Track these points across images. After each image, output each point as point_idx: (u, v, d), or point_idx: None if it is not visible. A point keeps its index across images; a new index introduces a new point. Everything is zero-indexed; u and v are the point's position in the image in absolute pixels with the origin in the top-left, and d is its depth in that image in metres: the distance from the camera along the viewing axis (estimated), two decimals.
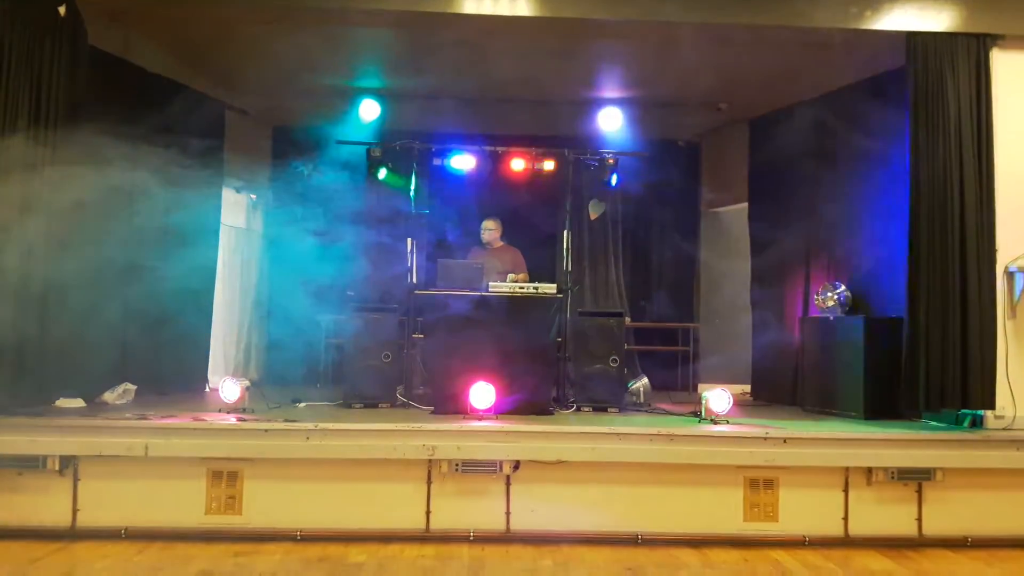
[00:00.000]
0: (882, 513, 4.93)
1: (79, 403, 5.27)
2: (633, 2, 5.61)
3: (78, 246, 5.26)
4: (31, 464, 4.62)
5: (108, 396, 5.65)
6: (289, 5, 5.63)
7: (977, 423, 5.30)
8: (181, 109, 6.84)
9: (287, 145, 8.65)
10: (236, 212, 8.11)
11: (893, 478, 4.88)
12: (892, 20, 5.55)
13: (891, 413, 5.67)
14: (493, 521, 4.83)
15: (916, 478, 4.91)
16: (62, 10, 5.27)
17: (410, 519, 4.80)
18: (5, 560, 4.29)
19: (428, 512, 4.81)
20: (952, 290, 5.26)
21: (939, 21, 5.52)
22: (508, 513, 4.84)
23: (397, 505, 4.81)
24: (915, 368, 5.34)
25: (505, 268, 6.87)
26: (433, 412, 5.63)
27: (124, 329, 6.22)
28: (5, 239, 4.90)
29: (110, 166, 5.58)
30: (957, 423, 5.32)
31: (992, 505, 4.98)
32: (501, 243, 7.30)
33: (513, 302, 5.93)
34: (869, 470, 4.91)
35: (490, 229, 7.23)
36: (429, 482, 4.83)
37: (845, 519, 4.93)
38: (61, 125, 5.21)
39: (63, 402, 5.21)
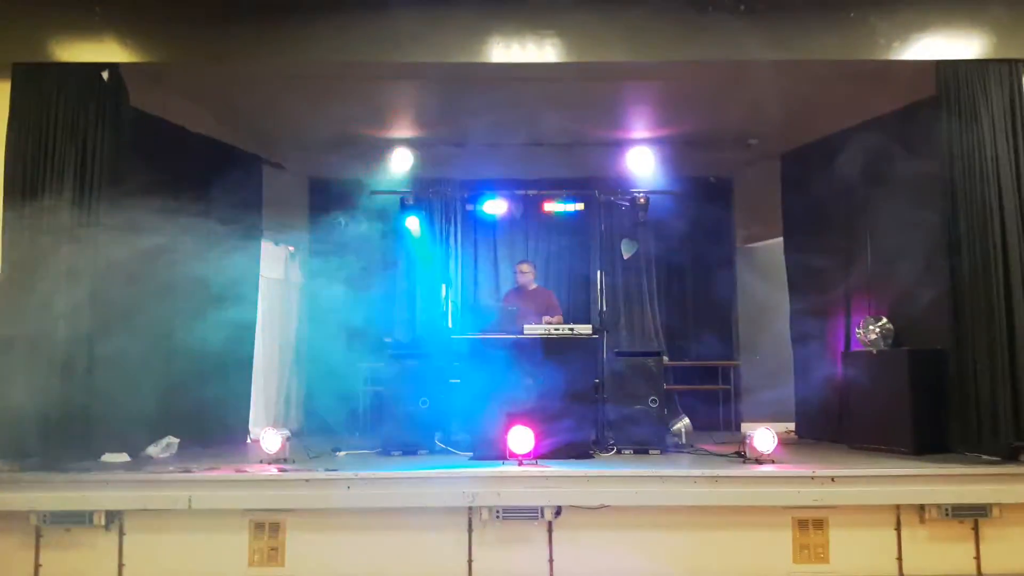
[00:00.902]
0: (937, 552, 4.77)
1: (124, 458, 5.33)
2: (656, 44, 5.66)
3: (122, 304, 5.38)
4: (78, 520, 4.66)
5: (152, 450, 5.70)
6: (322, 63, 5.77)
7: None
8: (219, 165, 7.03)
9: (323, 196, 8.84)
10: (274, 264, 8.25)
11: (948, 515, 4.71)
12: (921, 50, 5.53)
13: (940, 448, 5.53)
14: (536, 569, 4.75)
15: (972, 515, 4.74)
16: (105, 75, 5.48)
17: (452, 568, 4.74)
18: None
19: (470, 561, 4.76)
20: (997, 320, 5.16)
21: (969, 49, 5.49)
22: (551, 560, 4.76)
23: (439, 554, 4.77)
24: (963, 401, 5.22)
25: (539, 310, 6.88)
26: (472, 458, 5.60)
27: (167, 383, 6.30)
28: (53, 299, 5.04)
29: (152, 225, 5.73)
30: (1012, 457, 5.14)
31: None
32: (535, 285, 7.32)
33: (549, 344, 5.91)
34: (922, 507, 4.76)
35: (524, 272, 7.27)
36: (470, 530, 4.78)
37: (899, 559, 4.77)
38: (105, 185, 5.38)
39: (108, 457, 5.27)
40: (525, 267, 7.32)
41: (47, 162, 5.30)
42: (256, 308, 7.51)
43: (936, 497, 4.74)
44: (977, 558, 4.78)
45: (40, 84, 5.39)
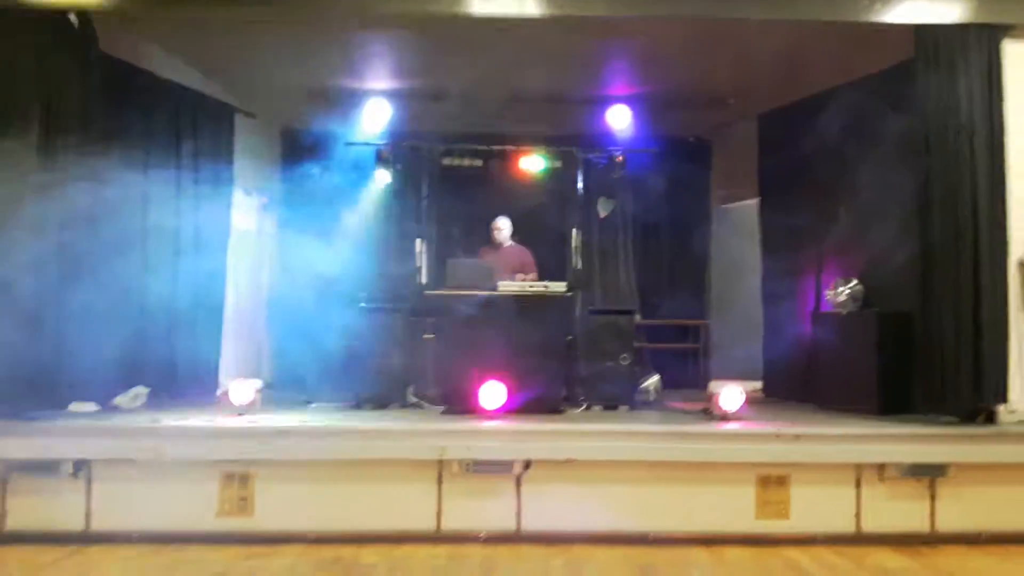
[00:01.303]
0: (895, 509, 4.90)
1: (92, 407, 5.30)
2: None
3: (90, 253, 5.30)
4: (45, 468, 4.66)
5: (121, 400, 5.68)
6: (297, 9, 5.64)
7: (990, 418, 5.24)
8: (190, 114, 6.89)
9: (296, 148, 8.70)
10: (246, 215, 8.14)
11: (906, 474, 4.84)
12: (901, 13, 5.48)
13: (904, 409, 5.63)
14: (504, 521, 4.83)
15: (929, 474, 4.86)
16: (74, 19, 5.32)
17: (422, 520, 4.81)
18: (20, 564, 4.34)
19: (439, 513, 4.82)
20: (964, 284, 5.21)
21: (949, 13, 5.46)
22: (519, 513, 4.84)
23: (409, 506, 4.82)
24: (928, 363, 5.31)
25: (514, 267, 6.88)
26: (443, 412, 5.64)
27: (137, 333, 6.26)
28: (18, 248, 4.95)
29: (121, 173, 5.63)
30: (970, 418, 5.26)
31: (1006, 500, 4.92)
32: (511, 242, 7.31)
33: (523, 301, 5.93)
34: (881, 466, 4.87)
35: (500, 229, 7.24)
36: (440, 483, 4.84)
37: (858, 516, 4.89)
38: (73, 131, 5.25)
39: (76, 406, 5.24)
40: (501, 223, 7.28)
41: (13, 107, 5.14)
42: (227, 259, 7.43)
43: (895, 456, 4.86)
44: (932, 516, 4.91)
45: (6, 28, 5.21)
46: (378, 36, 6.38)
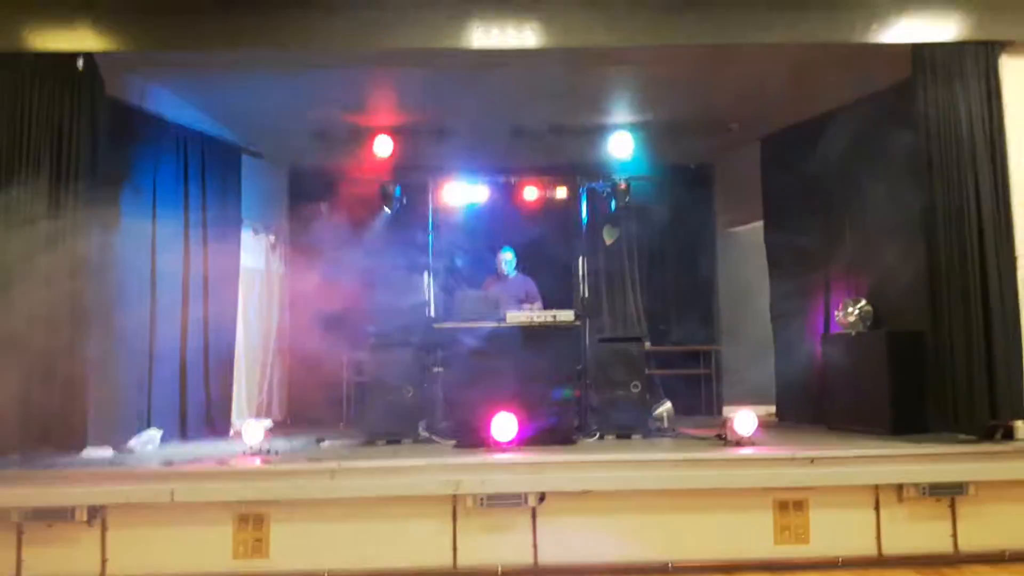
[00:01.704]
0: (915, 530, 4.84)
1: (107, 452, 5.30)
2: (637, 28, 5.62)
3: (100, 297, 5.35)
4: (60, 516, 4.63)
5: (134, 443, 5.68)
6: (300, 49, 5.71)
7: (1008, 434, 5.19)
8: (198, 155, 6.98)
9: (303, 185, 8.80)
10: (255, 254, 8.19)
11: (925, 494, 4.78)
12: (899, 33, 5.54)
13: (918, 428, 5.60)
14: (520, 555, 4.78)
15: (948, 493, 4.81)
16: (80, 63, 5.40)
17: (437, 556, 4.76)
18: None
19: (455, 548, 4.78)
20: (974, 301, 5.20)
21: (946, 31, 5.51)
22: (535, 546, 4.79)
23: (424, 542, 4.78)
24: (940, 381, 5.29)
25: (519, 297, 6.89)
26: (456, 446, 5.62)
27: (148, 375, 6.29)
28: (30, 290, 4.99)
29: (130, 215, 5.69)
30: (987, 435, 5.21)
31: None
32: (515, 272, 7.33)
33: (531, 331, 5.93)
34: (900, 487, 4.82)
35: (505, 260, 7.28)
36: (455, 518, 4.80)
37: (878, 538, 4.83)
38: (82, 174, 5.31)
39: (90, 451, 5.24)
40: (506, 255, 7.32)
41: (22, 153, 5.22)
42: (237, 299, 7.48)
43: (913, 476, 4.80)
44: (954, 535, 4.85)
45: (14, 74, 5.30)
46: (380, 73, 6.46)
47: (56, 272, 5.11)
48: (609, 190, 7.22)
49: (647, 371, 6.50)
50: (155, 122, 6.55)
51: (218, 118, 7.28)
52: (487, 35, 5.54)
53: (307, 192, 8.64)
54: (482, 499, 4.73)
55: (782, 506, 4.84)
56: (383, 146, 7.72)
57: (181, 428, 6.55)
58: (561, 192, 7.36)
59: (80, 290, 5.20)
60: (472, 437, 5.56)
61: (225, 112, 7.21)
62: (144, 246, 6.30)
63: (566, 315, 6.03)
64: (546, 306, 6.55)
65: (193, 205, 6.87)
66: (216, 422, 6.97)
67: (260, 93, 6.76)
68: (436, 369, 6.44)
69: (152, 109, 6.52)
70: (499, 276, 7.29)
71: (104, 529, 4.72)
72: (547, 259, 8.17)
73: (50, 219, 5.15)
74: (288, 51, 5.73)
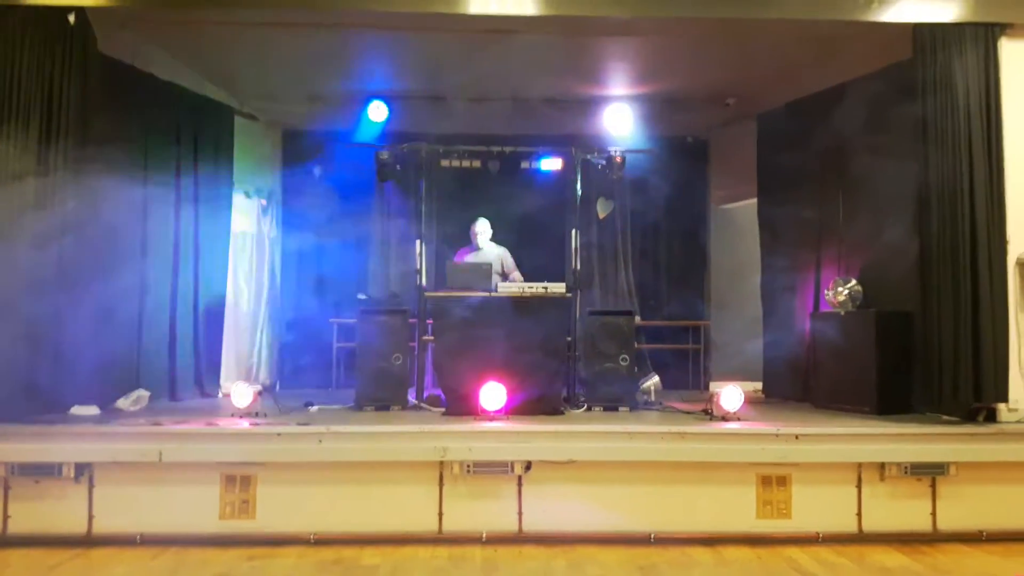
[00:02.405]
0: (896, 509, 4.91)
1: (94, 411, 5.31)
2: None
3: (90, 254, 5.32)
4: (47, 472, 4.66)
5: (122, 403, 5.69)
6: (296, 10, 5.64)
7: (991, 417, 5.25)
8: (190, 115, 6.91)
9: (297, 149, 8.73)
10: (247, 217, 8.15)
11: (906, 473, 4.85)
12: (899, 12, 5.51)
13: (904, 408, 5.66)
14: (505, 522, 4.83)
15: (929, 473, 4.88)
16: (71, 18, 5.32)
17: (423, 521, 4.81)
18: (22, 567, 4.34)
19: (440, 514, 4.83)
20: (963, 283, 5.22)
21: (946, 11, 5.48)
22: (520, 514, 4.85)
23: (410, 507, 4.83)
24: (927, 363, 5.33)
25: (495, 267, 6.87)
26: (444, 414, 5.64)
27: (137, 336, 6.29)
28: (19, 247, 4.95)
29: (121, 174, 5.63)
30: (971, 417, 5.27)
31: (1007, 499, 4.94)
32: (490, 243, 7.31)
33: (522, 302, 5.93)
34: (882, 465, 4.89)
35: (479, 232, 7.23)
36: (441, 484, 4.84)
37: (859, 515, 4.91)
38: (72, 132, 5.24)
39: (78, 410, 5.24)
40: (480, 226, 7.26)
41: (11, 107, 5.14)
42: (227, 261, 7.45)
43: (896, 455, 4.86)
44: (933, 514, 4.92)
45: (3, 28, 5.21)
46: (376, 37, 6.39)
47: (44, 228, 5.07)
48: (604, 163, 7.19)
49: (636, 345, 6.52)
50: (148, 81, 6.47)
51: (212, 79, 7.21)
52: (485, 1, 5.48)
53: (301, 156, 8.57)
54: (469, 466, 4.77)
55: (765, 481, 4.90)
56: (377, 111, 7.68)
57: (170, 390, 6.56)
58: (556, 163, 7.31)
59: (69, 247, 5.16)
60: (461, 405, 5.59)
61: (219, 73, 7.13)
62: (134, 205, 6.25)
63: (557, 287, 6.04)
64: (534, 277, 6.53)
65: (185, 166, 6.82)
66: (205, 384, 6.99)
67: (255, 54, 6.70)
68: (426, 338, 6.45)
69: (145, 68, 6.43)
70: (473, 247, 7.27)
71: (91, 486, 4.75)
72: (540, 230, 8.17)
73: (38, 176, 5.09)
74: (284, 11, 5.66)
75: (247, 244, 8.15)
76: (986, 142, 5.34)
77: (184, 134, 6.80)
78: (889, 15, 5.51)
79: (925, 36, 5.48)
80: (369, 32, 6.23)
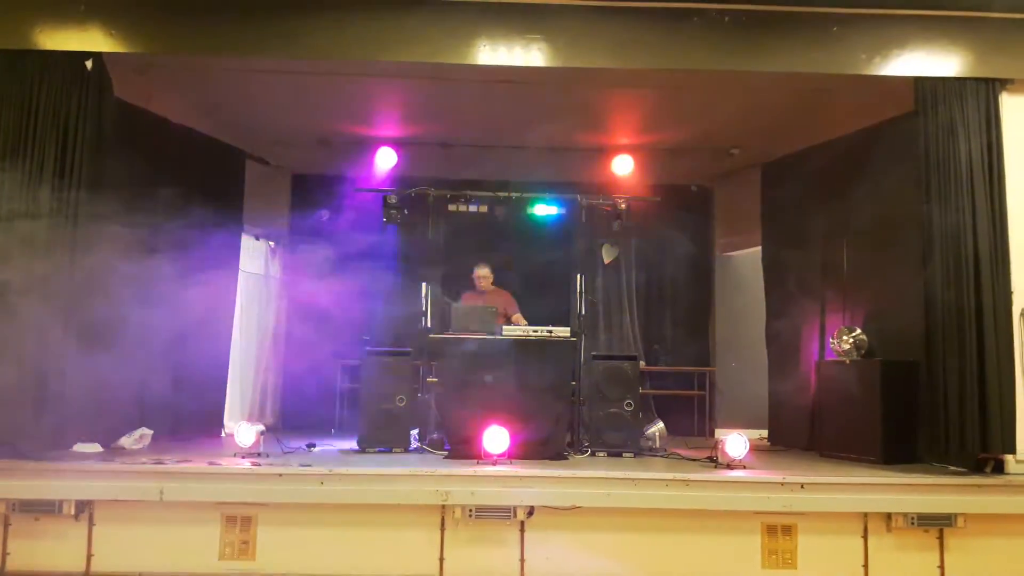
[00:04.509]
0: (903, 560, 4.84)
1: (96, 448, 5.29)
2: (644, 51, 5.68)
3: (99, 292, 5.35)
4: (47, 509, 4.63)
5: (125, 441, 5.67)
6: (309, 58, 5.76)
7: (998, 468, 5.20)
8: (202, 159, 7.01)
9: (305, 193, 8.83)
10: (255, 259, 8.22)
11: (913, 524, 4.79)
12: (901, 66, 5.61)
13: (909, 458, 5.62)
14: (507, 568, 4.77)
15: (937, 524, 4.82)
16: (89, 64, 5.44)
17: (424, 566, 4.76)
18: None
19: (442, 559, 4.77)
20: (969, 333, 5.22)
21: (948, 66, 5.58)
22: (523, 560, 4.79)
23: (411, 551, 4.78)
24: (933, 412, 5.30)
25: (500, 311, 6.89)
26: (447, 457, 5.62)
27: (143, 374, 6.28)
28: (29, 286, 4.99)
29: (132, 214, 5.70)
30: (978, 468, 5.22)
31: (1017, 552, 4.87)
32: (492, 287, 7.35)
33: (527, 346, 5.94)
34: (888, 516, 4.83)
35: (482, 277, 7.28)
36: (443, 528, 4.80)
37: (865, 566, 4.84)
38: (85, 174, 5.32)
39: (80, 447, 5.23)
40: (482, 271, 7.32)
41: (27, 148, 5.24)
42: (235, 302, 7.49)
43: (902, 506, 4.81)
44: (941, 567, 4.85)
45: (22, 71, 5.34)
46: (387, 85, 6.51)
47: (55, 267, 5.12)
48: (609, 209, 7.25)
49: (641, 390, 6.50)
50: (161, 125, 6.58)
51: (224, 123, 7.32)
52: (493, 52, 5.59)
53: (309, 199, 8.67)
54: (471, 511, 4.73)
55: (770, 530, 4.85)
56: (386, 159, 7.77)
57: (173, 429, 6.53)
58: (562, 210, 7.38)
59: (76, 285, 5.20)
60: (463, 449, 5.56)
61: (231, 117, 7.25)
62: (144, 245, 6.30)
63: (562, 331, 6.05)
64: (538, 322, 6.55)
65: (195, 208, 6.88)
66: (208, 424, 6.96)
67: (266, 100, 6.81)
68: (430, 380, 6.45)
69: (158, 112, 6.54)
70: (477, 291, 7.30)
71: (91, 524, 4.72)
72: (546, 276, 8.20)
73: (50, 216, 5.16)
74: (297, 59, 5.78)
75: (254, 285, 8.19)
76: (989, 195, 5.38)
77: (195, 177, 6.88)
78: (891, 69, 5.61)
79: (927, 89, 5.57)
80: (379, 80, 6.35)
